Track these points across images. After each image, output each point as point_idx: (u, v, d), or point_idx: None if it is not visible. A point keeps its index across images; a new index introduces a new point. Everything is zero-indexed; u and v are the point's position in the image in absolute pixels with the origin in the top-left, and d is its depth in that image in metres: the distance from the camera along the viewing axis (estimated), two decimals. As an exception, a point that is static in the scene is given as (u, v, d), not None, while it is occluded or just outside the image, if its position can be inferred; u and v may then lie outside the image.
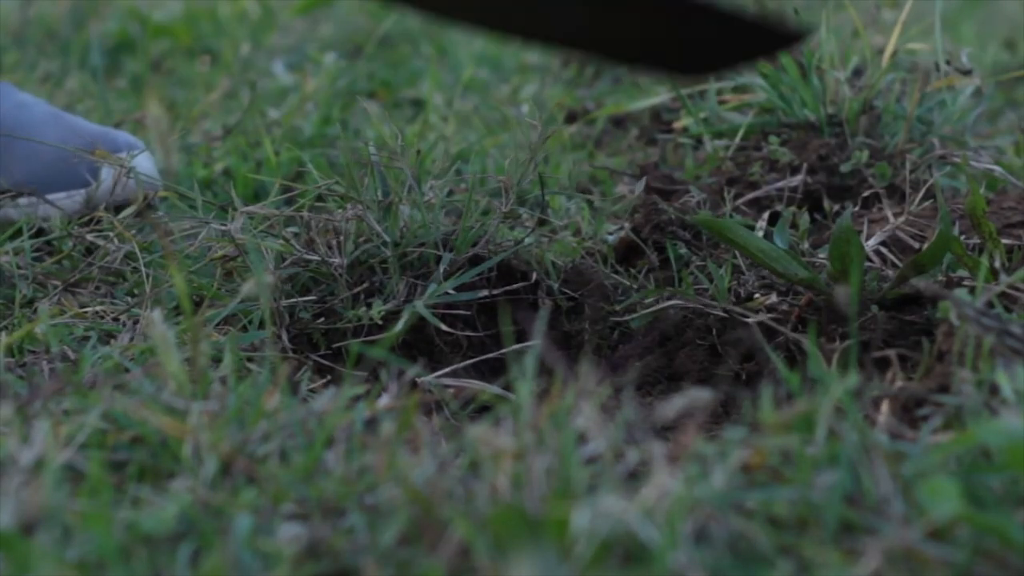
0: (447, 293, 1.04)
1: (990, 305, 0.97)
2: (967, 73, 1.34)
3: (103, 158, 1.18)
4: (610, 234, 1.20)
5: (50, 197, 1.22)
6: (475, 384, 1.01)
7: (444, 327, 1.03)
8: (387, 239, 1.06)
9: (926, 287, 0.91)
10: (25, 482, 0.66)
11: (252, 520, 0.64)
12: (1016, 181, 1.24)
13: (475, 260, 1.08)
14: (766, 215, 1.22)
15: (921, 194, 1.19)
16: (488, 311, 1.10)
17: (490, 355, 1.05)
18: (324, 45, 2.13)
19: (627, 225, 1.20)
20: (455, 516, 0.62)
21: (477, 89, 1.85)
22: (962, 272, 1.06)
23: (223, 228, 1.10)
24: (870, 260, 1.13)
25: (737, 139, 1.35)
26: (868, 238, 1.16)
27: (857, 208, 1.24)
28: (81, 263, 1.14)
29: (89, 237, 1.17)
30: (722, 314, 1.09)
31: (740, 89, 1.43)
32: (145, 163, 1.23)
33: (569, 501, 0.62)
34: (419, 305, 1.01)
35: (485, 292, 1.07)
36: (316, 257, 1.06)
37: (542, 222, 1.21)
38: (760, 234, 1.17)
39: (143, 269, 1.10)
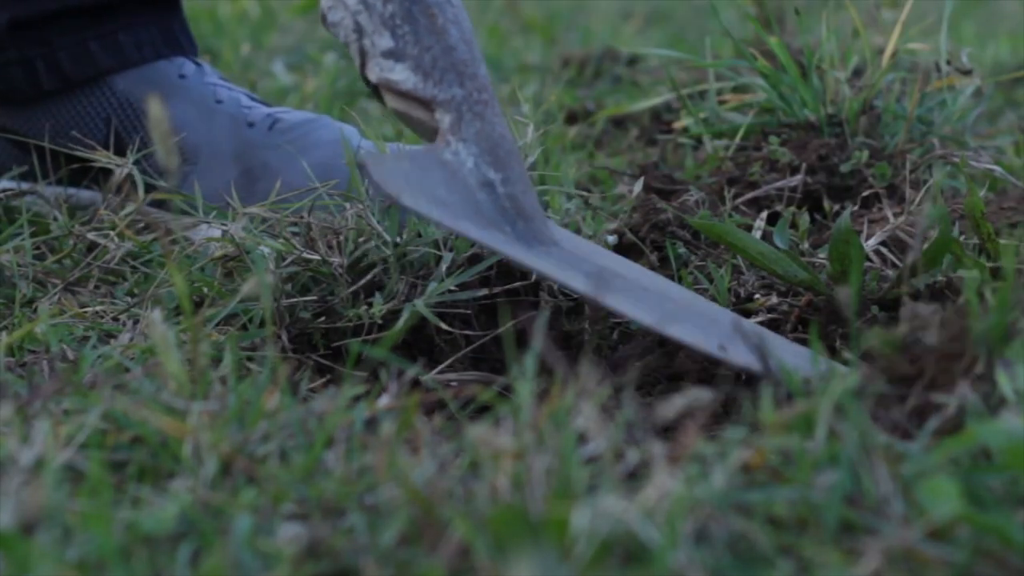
0: (447, 291, 1.04)
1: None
2: (967, 73, 1.34)
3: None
4: (609, 234, 1.20)
5: None
6: (476, 376, 1.01)
7: (444, 326, 1.03)
8: (387, 239, 1.06)
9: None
10: (25, 482, 0.66)
11: (252, 520, 0.64)
12: (1016, 181, 1.24)
13: (475, 260, 1.08)
14: (765, 215, 1.22)
15: (921, 194, 1.19)
16: (488, 311, 1.10)
17: (484, 339, 1.05)
18: (324, 45, 2.14)
19: (621, 222, 1.20)
20: (455, 516, 0.62)
21: (477, 89, 1.85)
22: (962, 272, 1.06)
23: (223, 228, 1.10)
24: (870, 260, 1.13)
25: (737, 139, 1.35)
26: (868, 238, 1.16)
27: (857, 208, 1.24)
28: (82, 262, 1.14)
29: (90, 236, 1.17)
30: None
31: (740, 89, 1.43)
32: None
33: (569, 501, 0.62)
34: (419, 304, 1.01)
35: (485, 291, 1.07)
36: (316, 257, 1.06)
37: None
38: (759, 234, 1.17)
39: (142, 268, 1.10)
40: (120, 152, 1.26)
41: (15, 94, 1.29)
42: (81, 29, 1.28)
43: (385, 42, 0.92)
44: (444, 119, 0.93)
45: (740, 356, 0.85)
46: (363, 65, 0.93)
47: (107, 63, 1.29)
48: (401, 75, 0.92)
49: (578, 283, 0.87)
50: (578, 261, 0.96)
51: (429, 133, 0.96)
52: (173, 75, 1.30)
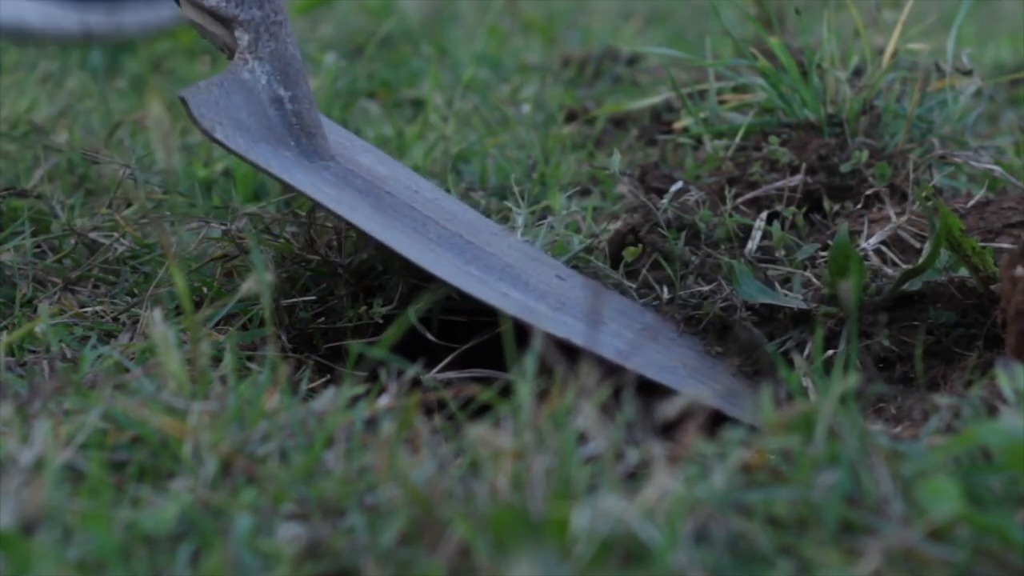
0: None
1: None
2: (967, 73, 1.34)
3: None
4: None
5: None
6: (476, 375, 1.01)
7: (431, 337, 1.03)
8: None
9: None
10: (25, 482, 0.66)
11: (252, 520, 0.64)
12: (1016, 181, 1.24)
13: (475, 260, 1.08)
14: (765, 215, 1.22)
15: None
16: (488, 311, 1.10)
17: (483, 339, 1.06)
18: (324, 45, 2.13)
19: (622, 223, 1.20)
20: (455, 516, 0.62)
21: (477, 89, 1.85)
22: (963, 272, 1.06)
23: (223, 228, 1.10)
24: (869, 260, 1.13)
25: (737, 139, 1.35)
26: (869, 238, 1.16)
27: (857, 208, 1.24)
28: (82, 261, 1.14)
29: (92, 235, 1.17)
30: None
31: (740, 89, 1.43)
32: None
33: (569, 501, 0.62)
34: (411, 313, 1.01)
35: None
36: (316, 257, 1.06)
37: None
38: (759, 234, 1.18)
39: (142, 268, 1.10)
40: None
41: None
42: None
43: None
44: (243, 38, 0.99)
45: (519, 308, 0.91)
46: None
47: None
48: None
49: (341, 208, 0.95)
50: (352, 176, 1.03)
51: (221, 46, 1.02)
52: None
